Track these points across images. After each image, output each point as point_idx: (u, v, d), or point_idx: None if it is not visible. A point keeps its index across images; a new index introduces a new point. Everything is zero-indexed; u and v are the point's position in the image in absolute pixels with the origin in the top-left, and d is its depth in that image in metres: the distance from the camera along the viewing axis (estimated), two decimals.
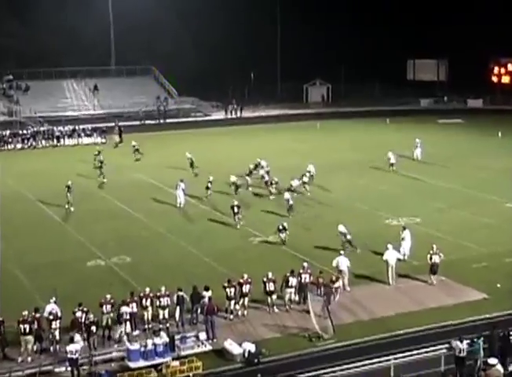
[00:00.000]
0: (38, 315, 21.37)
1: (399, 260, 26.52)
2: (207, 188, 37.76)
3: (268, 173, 40.65)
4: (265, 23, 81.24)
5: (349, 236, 28.80)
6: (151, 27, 76.18)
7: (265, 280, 23.76)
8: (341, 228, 29.22)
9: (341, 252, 25.96)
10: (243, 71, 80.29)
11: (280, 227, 30.30)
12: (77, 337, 20.42)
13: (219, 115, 71.67)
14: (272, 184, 38.84)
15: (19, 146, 56.86)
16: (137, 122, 65.21)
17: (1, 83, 69.19)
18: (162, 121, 67.49)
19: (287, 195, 35.54)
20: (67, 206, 36.63)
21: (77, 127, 59.55)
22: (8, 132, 57.79)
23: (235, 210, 33.12)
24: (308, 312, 22.76)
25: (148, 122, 66.11)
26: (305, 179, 39.24)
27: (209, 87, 73.54)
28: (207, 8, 77.37)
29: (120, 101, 69.75)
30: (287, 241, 30.21)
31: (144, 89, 73.37)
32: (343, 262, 25.38)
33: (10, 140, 57.07)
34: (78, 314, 21.50)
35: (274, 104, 76.32)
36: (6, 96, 67.88)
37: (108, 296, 22.43)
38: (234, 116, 71.19)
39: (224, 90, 74.56)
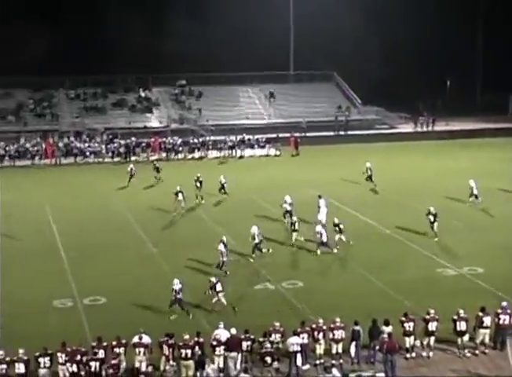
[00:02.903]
0: (201, 339, 21.91)
1: None
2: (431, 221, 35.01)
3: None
4: (464, 21, 79.09)
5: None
6: (333, 29, 76.36)
7: (455, 318, 23.02)
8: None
9: None
10: (437, 79, 78.74)
11: None
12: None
13: (407, 128, 70.80)
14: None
15: (189, 156, 59.58)
16: (316, 134, 65.75)
17: (174, 88, 72.32)
18: (342, 133, 67.82)
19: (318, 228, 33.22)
20: (197, 201, 41.27)
21: (251, 137, 61.34)
22: (180, 140, 60.58)
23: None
24: (506, 358, 21.78)
25: (324, 133, 66.31)
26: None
27: (396, 96, 72.65)
28: (396, 7, 76.62)
29: (298, 110, 70.84)
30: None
31: (324, 96, 73.99)
32: None
33: (180, 149, 59.91)
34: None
35: (471, 117, 74.06)
36: (178, 103, 70.94)
37: (277, 324, 22.66)
38: (424, 129, 70.08)
39: (413, 100, 73.38)
